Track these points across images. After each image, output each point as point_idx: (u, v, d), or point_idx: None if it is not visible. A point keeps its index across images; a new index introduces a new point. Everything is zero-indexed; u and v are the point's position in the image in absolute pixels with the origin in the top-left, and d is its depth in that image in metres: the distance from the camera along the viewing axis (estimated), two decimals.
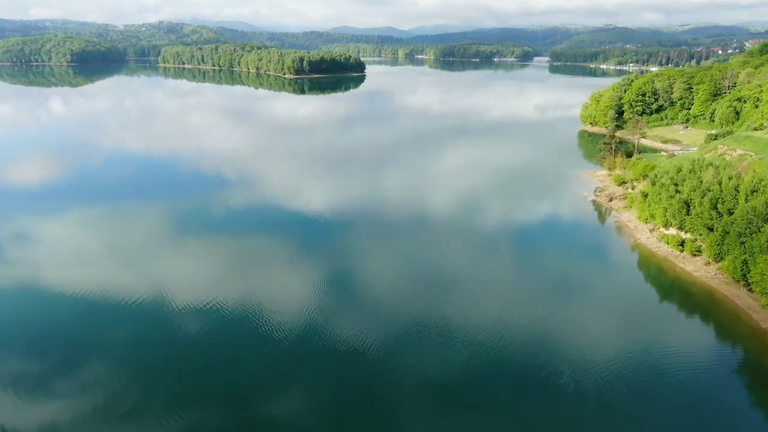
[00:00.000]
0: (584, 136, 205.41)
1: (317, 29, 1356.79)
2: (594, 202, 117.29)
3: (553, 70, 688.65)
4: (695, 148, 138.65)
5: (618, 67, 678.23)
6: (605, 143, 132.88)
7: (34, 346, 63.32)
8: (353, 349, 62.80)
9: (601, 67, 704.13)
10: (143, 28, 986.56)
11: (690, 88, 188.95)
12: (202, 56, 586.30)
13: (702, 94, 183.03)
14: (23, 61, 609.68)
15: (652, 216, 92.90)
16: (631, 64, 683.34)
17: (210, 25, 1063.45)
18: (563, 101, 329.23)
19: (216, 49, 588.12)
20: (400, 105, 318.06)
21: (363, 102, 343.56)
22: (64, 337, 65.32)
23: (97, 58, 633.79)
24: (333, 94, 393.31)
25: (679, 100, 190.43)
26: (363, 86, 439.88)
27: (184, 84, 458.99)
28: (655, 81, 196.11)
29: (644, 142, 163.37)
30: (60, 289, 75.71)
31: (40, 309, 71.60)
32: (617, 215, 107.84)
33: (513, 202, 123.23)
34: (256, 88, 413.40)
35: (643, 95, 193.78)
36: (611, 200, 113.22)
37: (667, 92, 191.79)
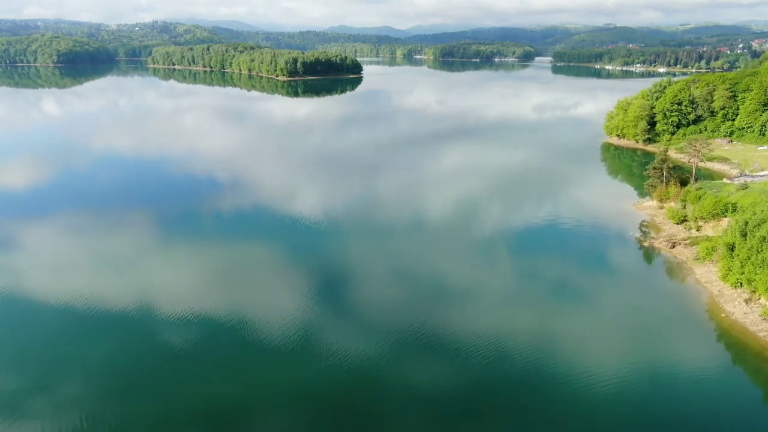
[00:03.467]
0: (609, 149, 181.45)
1: (314, 29, 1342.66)
2: (649, 247, 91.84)
3: (556, 70, 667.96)
4: (764, 173, 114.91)
5: (624, 68, 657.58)
6: (654, 168, 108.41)
7: (13, 358, 60.31)
8: (346, 361, 59.62)
9: (607, 67, 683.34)
10: (136, 28, 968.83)
11: (734, 96, 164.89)
12: (193, 57, 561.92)
13: (749, 104, 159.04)
14: (8, 61, 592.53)
15: (749, 281, 69.16)
16: (637, 65, 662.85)
17: (204, 24, 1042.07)
18: (574, 105, 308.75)
19: (207, 49, 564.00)
20: (401, 107, 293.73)
21: (360, 106, 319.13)
22: (43, 350, 61.96)
23: (86, 58, 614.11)
24: (329, 97, 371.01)
25: (720, 109, 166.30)
26: (360, 89, 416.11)
27: (172, 85, 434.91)
28: (692, 87, 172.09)
29: (683, 157, 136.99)
30: (41, 300, 72.31)
31: (20, 320, 68.43)
32: (686, 268, 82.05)
33: (537, 241, 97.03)
34: (249, 90, 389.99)
35: (679, 104, 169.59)
36: (674, 246, 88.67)
37: (706, 100, 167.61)
